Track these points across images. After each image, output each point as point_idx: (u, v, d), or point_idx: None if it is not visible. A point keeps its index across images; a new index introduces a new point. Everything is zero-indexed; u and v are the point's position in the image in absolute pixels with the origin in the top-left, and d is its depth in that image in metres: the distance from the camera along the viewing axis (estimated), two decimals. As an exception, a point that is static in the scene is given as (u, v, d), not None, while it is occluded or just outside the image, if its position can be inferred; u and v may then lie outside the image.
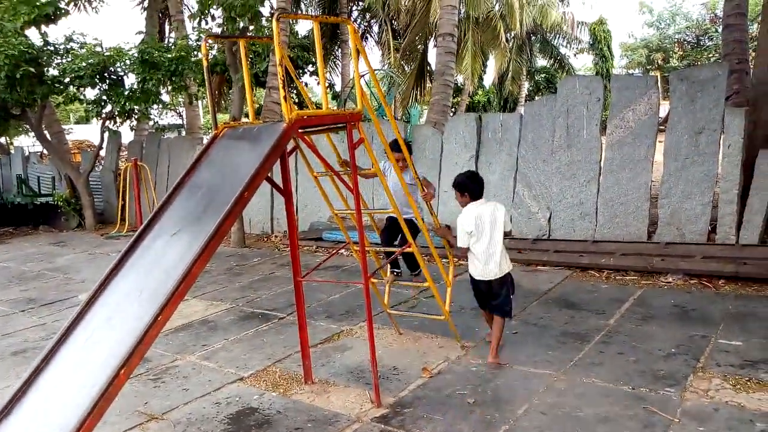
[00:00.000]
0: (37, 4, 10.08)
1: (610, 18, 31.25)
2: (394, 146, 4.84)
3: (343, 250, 9.13)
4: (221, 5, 8.57)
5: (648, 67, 33.67)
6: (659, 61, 32.73)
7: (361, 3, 23.54)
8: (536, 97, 32.85)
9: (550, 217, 8.25)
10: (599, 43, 29.64)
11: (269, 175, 4.09)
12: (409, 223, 4.83)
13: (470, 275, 4.62)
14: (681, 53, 31.43)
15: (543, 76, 33.26)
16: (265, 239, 10.93)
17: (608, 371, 4.27)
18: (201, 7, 9.09)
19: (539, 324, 5.43)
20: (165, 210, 3.86)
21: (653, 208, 7.73)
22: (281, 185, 4.33)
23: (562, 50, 30.07)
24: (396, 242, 5.36)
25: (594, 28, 29.63)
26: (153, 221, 3.81)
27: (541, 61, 32.36)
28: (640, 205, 7.56)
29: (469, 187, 4.61)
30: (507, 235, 4.72)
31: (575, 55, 31.68)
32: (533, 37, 29.26)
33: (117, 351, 2.98)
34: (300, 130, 3.94)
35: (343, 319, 5.95)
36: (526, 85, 30.79)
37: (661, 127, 7.70)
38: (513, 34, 26.43)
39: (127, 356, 2.88)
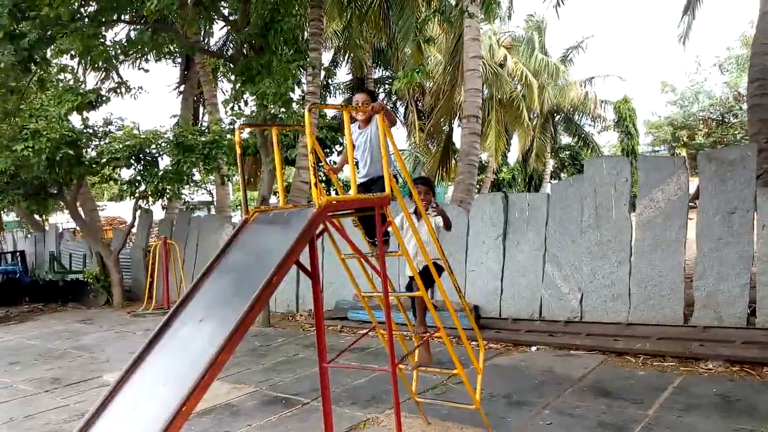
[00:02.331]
0: (81, 92, 10.67)
1: (632, 97, 31.65)
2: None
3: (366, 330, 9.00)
4: (254, 93, 8.94)
5: (673, 144, 33.79)
6: (685, 139, 32.85)
7: (387, 85, 24.37)
8: (561, 174, 33.11)
9: (581, 299, 8.05)
10: (624, 120, 29.98)
11: (297, 258, 4.09)
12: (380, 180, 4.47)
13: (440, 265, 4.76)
14: (707, 130, 31.53)
15: (567, 153, 33.57)
16: (290, 318, 10.84)
17: (652, 469, 4.01)
18: (235, 94, 9.50)
19: (574, 414, 5.18)
20: (194, 294, 3.86)
21: (688, 289, 7.51)
22: (308, 267, 4.32)
23: (586, 128, 30.47)
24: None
25: (619, 106, 30.08)
26: (182, 305, 3.80)
27: (566, 139, 32.77)
28: (675, 286, 7.35)
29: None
30: None
31: (599, 133, 32.07)
32: (557, 116, 29.76)
33: (141, 443, 2.90)
34: (329, 214, 3.97)
35: (368, 406, 5.76)
36: (550, 162, 31.07)
37: (691, 204, 7.62)
38: (536, 113, 26.95)
39: (150, 450, 2.79)
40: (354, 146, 4.61)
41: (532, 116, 26.38)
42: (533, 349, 7.52)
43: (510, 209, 8.88)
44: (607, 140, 37.97)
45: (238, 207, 29.27)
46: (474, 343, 5.72)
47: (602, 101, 30.00)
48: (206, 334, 3.57)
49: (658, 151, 34.66)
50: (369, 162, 4.63)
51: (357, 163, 4.72)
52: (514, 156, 32.19)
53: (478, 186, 22.97)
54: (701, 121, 31.78)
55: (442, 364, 6.38)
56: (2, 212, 16.12)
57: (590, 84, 29.59)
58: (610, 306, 7.80)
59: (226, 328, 3.36)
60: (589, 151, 29.96)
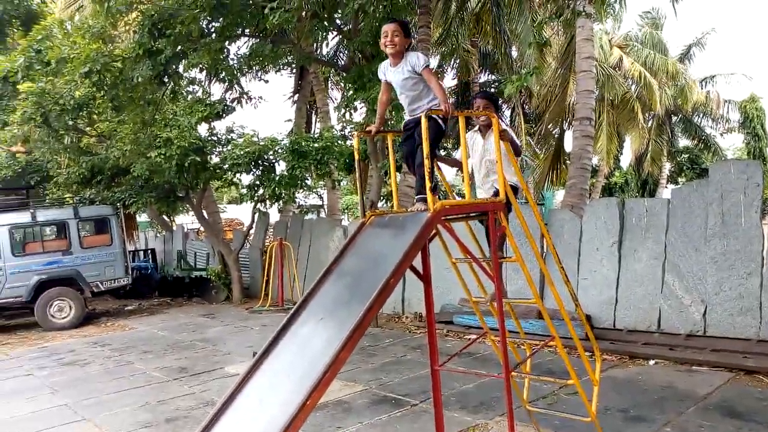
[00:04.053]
0: (209, 103, 11.54)
1: (761, 96, 28.92)
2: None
3: (473, 336, 8.96)
4: (365, 99, 9.22)
5: (810, 147, 30.66)
6: (825, 141, 29.72)
7: (493, 89, 24.08)
8: (679, 179, 31.07)
9: (705, 311, 7.56)
10: (751, 121, 27.67)
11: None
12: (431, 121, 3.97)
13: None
14: None
15: (686, 156, 31.46)
16: (396, 320, 11.02)
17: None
18: (346, 100, 9.84)
19: (699, 434, 4.89)
20: (315, 294, 4.05)
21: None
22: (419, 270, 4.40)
23: (707, 130, 28.42)
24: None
25: (745, 106, 27.80)
26: (303, 305, 4.01)
27: (684, 141, 30.72)
28: (816, 302, 6.73)
29: None
30: None
31: (722, 135, 29.75)
32: (674, 117, 28.00)
33: (268, 434, 3.09)
34: (442, 218, 4.04)
35: (477, 411, 5.76)
36: (667, 166, 29.23)
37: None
38: (651, 114, 25.52)
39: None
40: (391, 87, 4.29)
41: (647, 118, 25.01)
42: (651, 362, 7.16)
43: (626, 215, 8.51)
44: (731, 143, 35.19)
45: (346, 210, 30.13)
46: (588, 353, 5.55)
47: (725, 101, 27.83)
48: (326, 332, 3.75)
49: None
50: (409, 102, 4.24)
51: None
52: (626, 159, 30.65)
53: (588, 191, 22.08)
54: None
55: (553, 374, 6.27)
56: (137, 213, 17.60)
57: (711, 83, 27.58)
58: (738, 320, 7.26)
59: (345, 327, 3.51)
60: (711, 154, 27.93)
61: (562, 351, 4.43)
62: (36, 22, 11.91)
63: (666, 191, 27.52)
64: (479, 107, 4.51)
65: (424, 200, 4.13)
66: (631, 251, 8.32)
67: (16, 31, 13.20)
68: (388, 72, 4.29)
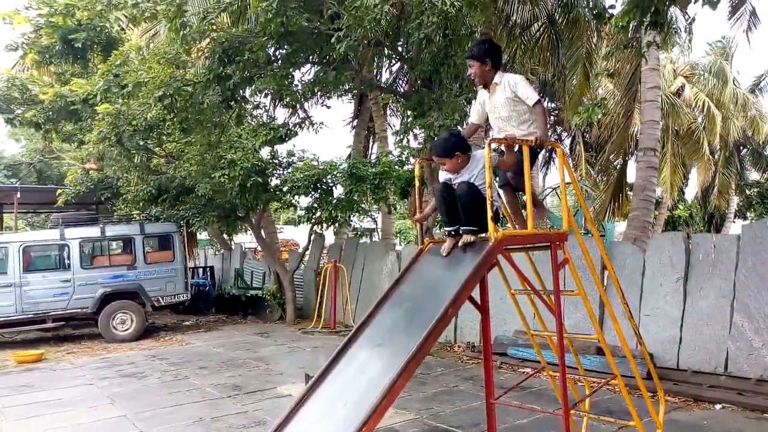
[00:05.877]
0: (273, 127, 11.90)
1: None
2: None
3: (528, 369, 8.75)
4: (423, 126, 9.30)
5: None
6: None
7: (554, 117, 23.81)
8: (748, 213, 29.69)
9: (777, 356, 7.15)
10: (829, 154, 26.27)
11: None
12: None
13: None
14: None
15: (756, 190, 30.06)
16: (448, 348, 10.88)
17: None
18: (404, 126, 9.94)
19: (772, 487, 4.60)
20: (371, 320, 4.08)
21: None
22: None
23: (778, 163, 27.13)
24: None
25: (820, 139, 26.41)
26: (360, 330, 4.03)
27: (754, 175, 29.42)
28: None
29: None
30: None
31: (795, 168, 28.30)
32: (743, 149, 26.91)
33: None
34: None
35: (532, 448, 5.60)
36: (735, 200, 27.99)
37: None
38: (719, 146, 24.60)
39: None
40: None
41: (713, 149, 24.12)
42: (717, 407, 6.81)
43: (692, 251, 8.19)
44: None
45: (399, 234, 30.20)
46: (649, 394, 5.34)
47: (800, 132, 26.53)
48: (382, 360, 3.75)
49: None
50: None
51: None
52: (691, 192, 29.54)
53: (651, 223, 21.33)
54: None
55: (612, 413, 6.04)
56: (198, 231, 18.15)
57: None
58: (816, 367, 6.83)
59: (402, 355, 3.51)
60: (782, 189, 26.67)
61: (624, 390, 4.29)
62: (115, 48, 12.58)
63: (734, 226, 26.36)
64: (472, 66, 4.45)
65: (472, 232, 4.06)
66: (697, 289, 7.98)
67: (97, 56, 14.00)
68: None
